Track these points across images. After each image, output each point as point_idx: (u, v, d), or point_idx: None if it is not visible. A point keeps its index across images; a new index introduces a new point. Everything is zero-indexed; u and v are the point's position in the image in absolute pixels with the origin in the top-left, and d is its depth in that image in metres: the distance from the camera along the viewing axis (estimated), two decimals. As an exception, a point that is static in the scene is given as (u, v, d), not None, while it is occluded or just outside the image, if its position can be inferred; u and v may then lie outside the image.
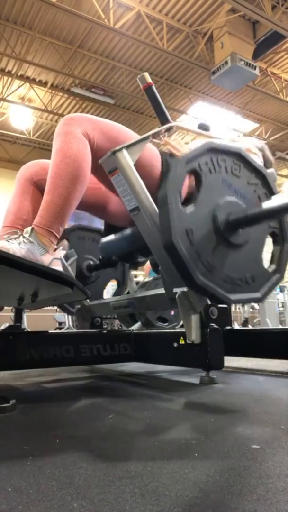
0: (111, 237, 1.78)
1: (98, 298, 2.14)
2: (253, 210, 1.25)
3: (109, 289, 2.46)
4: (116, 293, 2.23)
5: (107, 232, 1.87)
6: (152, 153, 1.49)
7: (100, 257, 1.95)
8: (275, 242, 1.40)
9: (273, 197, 1.35)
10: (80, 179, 1.27)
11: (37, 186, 1.53)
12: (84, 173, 1.29)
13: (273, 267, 1.39)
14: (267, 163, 1.91)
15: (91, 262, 2.07)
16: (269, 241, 1.42)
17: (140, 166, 1.35)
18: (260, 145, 1.97)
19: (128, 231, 1.69)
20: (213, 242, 1.23)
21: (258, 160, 1.76)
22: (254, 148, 1.76)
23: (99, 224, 2.03)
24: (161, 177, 1.48)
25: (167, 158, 1.53)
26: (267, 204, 1.24)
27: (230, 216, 1.24)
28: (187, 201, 1.28)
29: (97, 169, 1.37)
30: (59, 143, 1.28)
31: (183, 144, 1.67)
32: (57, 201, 1.23)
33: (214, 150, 1.26)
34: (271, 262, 1.40)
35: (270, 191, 1.39)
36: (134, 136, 1.43)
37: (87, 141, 1.30)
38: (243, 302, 1.31)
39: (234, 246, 1.27)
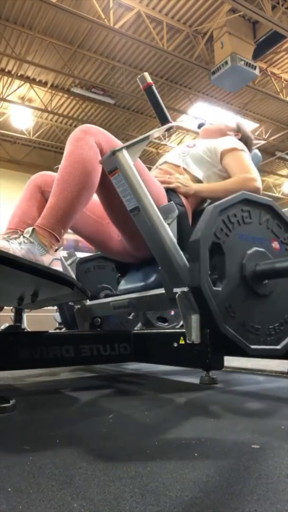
0: (128, 284, 1.74)
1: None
2: (281, 264, 1.23)
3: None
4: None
5: (117, 268, 1.85)
6: (157, 188, 1.50)
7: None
8: None
9: None
10: (87, 185, 1.26)
11: (45, 196, 1.52)
12: (92, 180, 1.28)
13: None
14: (248, 141, 1.87)
15: (109, 292, 2.06)
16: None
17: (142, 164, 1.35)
18: (234, 124, 1.92)
19: (152, 278, 1.64)
20: (249, 302, 1.24)
21: (247, 154, 1.73)
22: (240, 145, 1.72)
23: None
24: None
25: (171, 197, 1.54)
26: None
27: (256, 268, 1.24)
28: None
29: (101, 183, 1.36)
30: (71, 148, 1.29)
31: (172, 172, 1.67)
32: (61, 204, 1.22)
33: (223, 210, 1.24)
34: None
35: (282, 220, 1.39)
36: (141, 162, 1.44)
37: (98, 151, 1.30)
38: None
39: (267, 296, 1.27)
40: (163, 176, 1.66)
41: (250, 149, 1.85)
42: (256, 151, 2.00)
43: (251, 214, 1.31)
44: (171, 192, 1.59)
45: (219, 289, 1.17)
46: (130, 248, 1.62)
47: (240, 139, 1.83)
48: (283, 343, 1.28)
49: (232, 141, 1.74)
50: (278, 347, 1.26)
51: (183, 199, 1.60)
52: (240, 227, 1.27)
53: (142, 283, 1.66)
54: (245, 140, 1.86)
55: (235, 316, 1.19)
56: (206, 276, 1.15)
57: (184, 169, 1.70)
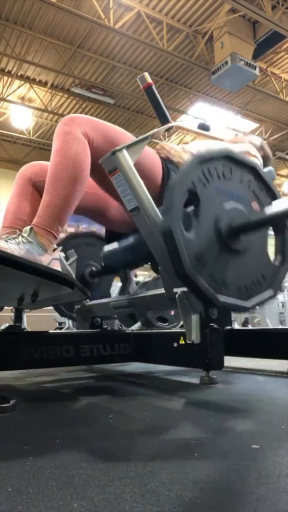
0: (113, 246, 1.77)
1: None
2: (255, 217, 1.24)
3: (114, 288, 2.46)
4: (121, 290, 2.22)
5: (108, 238, 1.86)
6: (151, 155, 1.49)
7: (103, 264, 1.94)
8: (276, 233, 1.39)
9: (274, 202, 1.33)
10: (79, 179, 1.26)
11: (36, 187, 1.52)
12: (84, 174, 1.28)
13: (279, 258, 1.37)
14: (267, 161, 1.90)
15: (94, 268, 2.06)
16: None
17: (140, 169, 1.34)
18: (259, 142, 1.95)
19: (131, 239, 1.67)
20: (222, 256, 1.23)
21: (258, 162, 1.76)
22: (253, 151, 1.75)
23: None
24: (162, 184, 1.48)
25: (167, 164, 1.53)
26: (270, 210, 1.22)
27: (232, 223, 1.23)
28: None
29: (95, 171, 1.37)
30: (58, 143, 1.28)
31: (177, 148, 1.67)
32: (56, 201, 1.22)
33: (203, 161, 1.24)
34: (276, 253, 1.38)
35: (264, 184, 1.39)
36: (134, 139, 1.44)
37: (86, 142, 1.30)
38: (259, 305, 1.31)
39: (241, 252, 1.26)
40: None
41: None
42: (271, 168, 2.01)
43: (232, 171, 1.31)
44: (167, 159, 1.58)
45: (190, 235, 1.17)
46: (130, 217, 1.63)
47: (262, 157, 1.86)
48: (252, 302, 1.27)
49: (248, 146, 1.76)
50: (247, 305, 1.25)
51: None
52: (220, 181, 1.27)
53: (116, 246, 1.69)
54: (265, 159, 1.88)
55: (204, 265, 1.18)
56: (179, 222, 1.14)
57: None
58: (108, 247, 1.80)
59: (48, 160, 1.70)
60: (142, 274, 5.83)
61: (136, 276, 5.70)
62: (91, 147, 1.31)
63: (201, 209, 1.20)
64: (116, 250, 1.74)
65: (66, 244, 2.14)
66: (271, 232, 1.40)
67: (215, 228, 1.22)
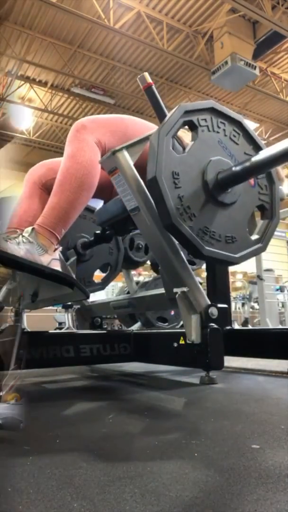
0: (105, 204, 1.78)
1: (88, 279, 2.15)
2: (240, 166, 1.24)
3: (109, 289, 2.45)
4: (107, 276, 2.21)
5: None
6: None
7: (94, 233, 1.93)
8: (263, 216, 1.40)
9: (261, 152, 1.33)
10: (88, 186, 1.29)
11: (45, 188, 1.54)
12: (93, 181, 1.31)
13: (256, 236, 1.38)
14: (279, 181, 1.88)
15: (86, 240, 2.05)
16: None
17: (140, 169, 1.35)
18: None
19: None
20: (199, 194, 1.24)
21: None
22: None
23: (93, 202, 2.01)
24: None
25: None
26: (255, 158, 1.23)
27: (219, 174, 1.25)
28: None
29: None
30: (72, 149, 1.30)
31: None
32: (63, 204, 1.24)
33: (216, 112, 1.28)
34: (256, 232, 1.40)
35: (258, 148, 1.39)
36: (141, 125, 1.47)
37: (99, 151, 1.33)
38: (217, 256, 1.28)
39: (220, 203, 1.27)
40: None
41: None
42: (281, 188, 2.00)
43: (240, 138, 1.36)
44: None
45: (175, 154, 1.20)
46: None
47: None
48: (210, 249, 1.26)
49: None
50: (205, 247, 1.24)
51: None
52: (225, 138, 1.32)
53: (107, 203, 1.70)
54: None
55: (177, 184, 1.19)
56: (168, 135, 1.18)
57: None
58: (100, 205, 1.80)
59: (51, 159, 1.70)
60: (142, 274, 5.83)
61: (140, 275, 5.71)
62: (104, 151, 1.34)
63: (195, 144, 1.25)
64: (106, 205, 1.72)
65: None
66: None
67: (202, 169, 1.25)
